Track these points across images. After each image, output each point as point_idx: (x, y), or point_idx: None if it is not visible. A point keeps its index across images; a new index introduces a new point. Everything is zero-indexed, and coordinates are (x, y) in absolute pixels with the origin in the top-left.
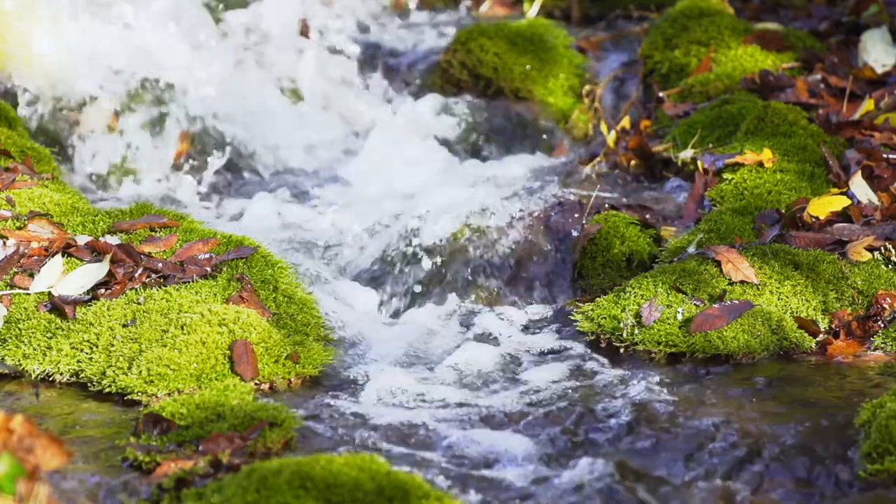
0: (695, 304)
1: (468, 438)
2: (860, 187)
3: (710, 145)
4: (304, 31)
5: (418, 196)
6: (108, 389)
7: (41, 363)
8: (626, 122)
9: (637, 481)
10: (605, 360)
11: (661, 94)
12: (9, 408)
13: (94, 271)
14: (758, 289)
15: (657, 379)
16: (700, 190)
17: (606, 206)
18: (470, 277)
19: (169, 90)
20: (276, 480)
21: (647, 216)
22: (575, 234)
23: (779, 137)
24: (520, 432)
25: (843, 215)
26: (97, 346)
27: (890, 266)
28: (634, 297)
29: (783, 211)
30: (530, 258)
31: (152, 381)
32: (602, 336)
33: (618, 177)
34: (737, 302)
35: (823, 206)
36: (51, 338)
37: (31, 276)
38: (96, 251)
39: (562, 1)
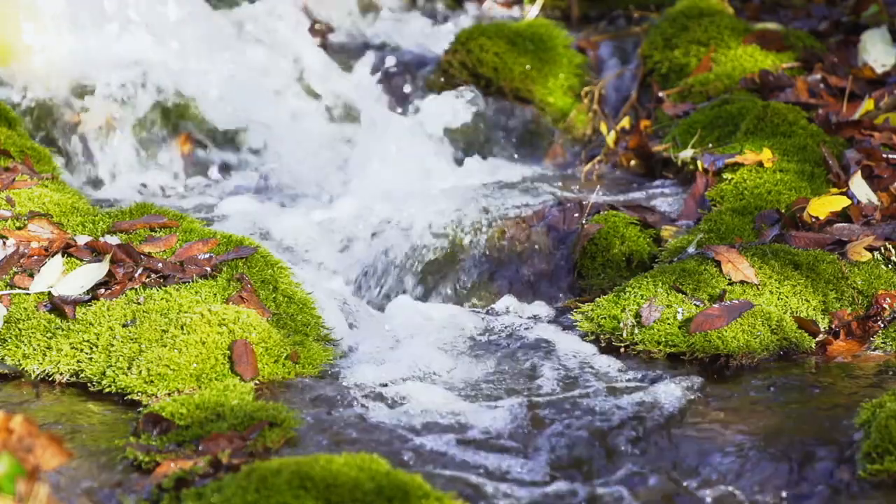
0: (695, 304)
1: (466, 439)
2: (860, 187)
3: (710, 145)
4: (308, 30)
5: (417, 196)
6: (108, 389)
7: (41, 363)
8: (625, 122)
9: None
10: (605, 361)
11: (660, 94)
12: (9, 408)
13: (94, 271)
14: (758, 289)
15: (656, 379)
16: (700, 190)
17: (606, 206)
18: (469, 277)
19: (169, 90)
20: (276, 480)
21: (647, 216)
22: (575, 234)
23: (779, 137)
24: (519, 433)
25: (843, 215)
26: (97, 346)
27: (890, 266)
28: (634, 297)
29: (783, 211)
30: (530, 258)
31: (152, 381)
32: (602, 336)
33: (618, 177)
34: (737, 302)
35: (823, 206)
36: (51, 338)
37: (31, 276)
38: (96, 251)
39: (562, 1)
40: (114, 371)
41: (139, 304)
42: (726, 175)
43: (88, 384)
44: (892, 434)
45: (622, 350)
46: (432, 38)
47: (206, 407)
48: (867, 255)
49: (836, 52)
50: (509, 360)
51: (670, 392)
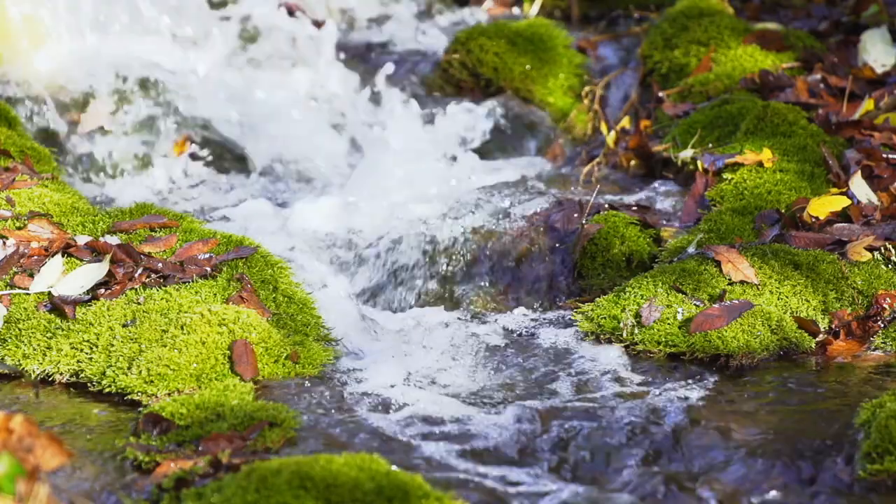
0: (695, 304)
1: (468, 442)
2: (860, 187)
3: (710, 145)
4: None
5: (416, 197)
6: (108, 389)
7: (41, 363)
8: (625, 122)
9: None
10: (605, 361)
11: (660, 94)
12: (9, 408)
13: (94, 271)
14: (758, 289)
15: (657, 380)
16: (700, 190)
17: (606, 206)
18: (470, 278)
19: (169, 91)
20: (276, 480)
21: (647, 216)
22: (575, 234)
23: (779, 137)
24: (522, 437)
25: (843, 215)
26: (97, 346)
27: (890, 266)
28: (634, 297)
29: (783, 211)
30: (530, 258)
31: (152, 381)
32: (602, 336)
33: (618, 177)
34: (737, 302)
35: (823, 206)
36: (51, 338)
37: (31, 276)
38: (96, 251)
39: (562, 1)
40: (114, 371)
41: (139, 304)
42: (726, 175)
43: (88, 384)
44: (892, 434)
45: (622, 350)
46: (432, 38)
47: (206, 407)
48: (867, 255)
49: (836, 52)
50: (510, 362)
51: (671, 393)
